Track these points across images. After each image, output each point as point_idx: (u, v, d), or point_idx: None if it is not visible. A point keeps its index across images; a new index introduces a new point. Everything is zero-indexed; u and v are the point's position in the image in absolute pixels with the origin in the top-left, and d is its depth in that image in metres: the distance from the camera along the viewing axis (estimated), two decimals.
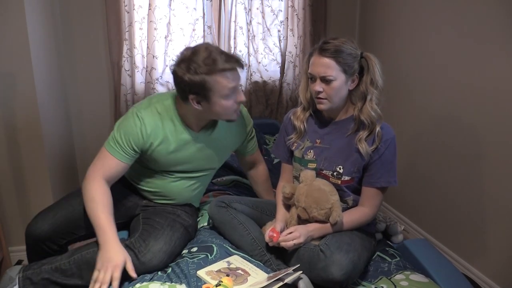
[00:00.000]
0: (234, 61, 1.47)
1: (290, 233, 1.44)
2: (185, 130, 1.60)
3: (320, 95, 1.49)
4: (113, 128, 1.58)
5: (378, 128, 1.49)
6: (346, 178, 1.52)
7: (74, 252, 1.49)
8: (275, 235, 1.45)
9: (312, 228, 1.48)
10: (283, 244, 1.43)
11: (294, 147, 1.64)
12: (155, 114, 1.57)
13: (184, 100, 1.53)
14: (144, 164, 1.68)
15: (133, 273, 1.40)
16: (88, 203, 1.52)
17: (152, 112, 1.57)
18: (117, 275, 1.38)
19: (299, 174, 1.58)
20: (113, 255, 1.40)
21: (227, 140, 1.72)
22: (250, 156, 1.88)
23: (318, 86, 1.48)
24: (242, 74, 1.68)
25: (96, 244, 1.46)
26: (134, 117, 1.55)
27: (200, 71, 1.42)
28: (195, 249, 1.56)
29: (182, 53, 1.49)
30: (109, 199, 1.54)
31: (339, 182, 1.52)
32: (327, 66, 1.45)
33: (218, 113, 1.54)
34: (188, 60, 1.44)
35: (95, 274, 1.38)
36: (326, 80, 1.46)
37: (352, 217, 1.51)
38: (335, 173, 1.53)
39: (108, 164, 1.55)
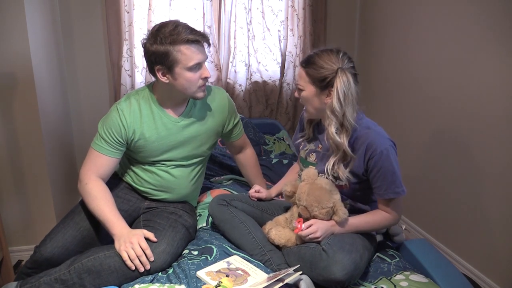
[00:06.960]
0: (198, 35, 1.54)
1: (310, 225, 1.45)
2: (164, 116, 1.65)
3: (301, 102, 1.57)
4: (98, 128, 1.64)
5: (349, 153, 1.43)
6: (341, 182, 1.52)
7: (73, 261, 1.45)
8: (298, 226, 1.47)
9: (333, 223, 1.47)
10: (302, 236, 1.45)
11: (301, 146, 1.69)
12: (134, 104, 1.64)
13: (153, 74, 1.59)
14: (136, 159, 1.70)
15: (153, 238, 1.49)
16: (90, 202, 1.55)
17: (131, 103, 1.64)
18: (144, 244, 1.44)
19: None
20: (129, 232, 1.49)
21: (209, 122, 1.74)
22: (237, 141, 1.91)
23: (296, 93, 1.57)
24: (208, 51, 1.76)
25: (96, 251, 1.46)
26: (114, 111, 1.63)
27: (165, 41, 1.50)
28: (195, 252, 1.56)
29: (152, 28, 1.58)
30: (109, 193, 1.59)
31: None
32: (299, 75, 1.53)
33: (183, 87, 1.58)
34: (156, 32, 1.53)
35: (124, 255, 1.41)
36: (298, 89, 1.54)
37: (374, 218, 1.52)
38: (330, 177, 1.53)
39: (98, 162, 1.61)
